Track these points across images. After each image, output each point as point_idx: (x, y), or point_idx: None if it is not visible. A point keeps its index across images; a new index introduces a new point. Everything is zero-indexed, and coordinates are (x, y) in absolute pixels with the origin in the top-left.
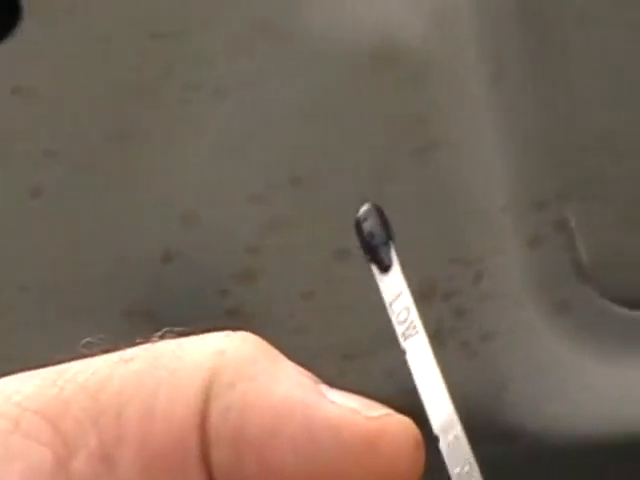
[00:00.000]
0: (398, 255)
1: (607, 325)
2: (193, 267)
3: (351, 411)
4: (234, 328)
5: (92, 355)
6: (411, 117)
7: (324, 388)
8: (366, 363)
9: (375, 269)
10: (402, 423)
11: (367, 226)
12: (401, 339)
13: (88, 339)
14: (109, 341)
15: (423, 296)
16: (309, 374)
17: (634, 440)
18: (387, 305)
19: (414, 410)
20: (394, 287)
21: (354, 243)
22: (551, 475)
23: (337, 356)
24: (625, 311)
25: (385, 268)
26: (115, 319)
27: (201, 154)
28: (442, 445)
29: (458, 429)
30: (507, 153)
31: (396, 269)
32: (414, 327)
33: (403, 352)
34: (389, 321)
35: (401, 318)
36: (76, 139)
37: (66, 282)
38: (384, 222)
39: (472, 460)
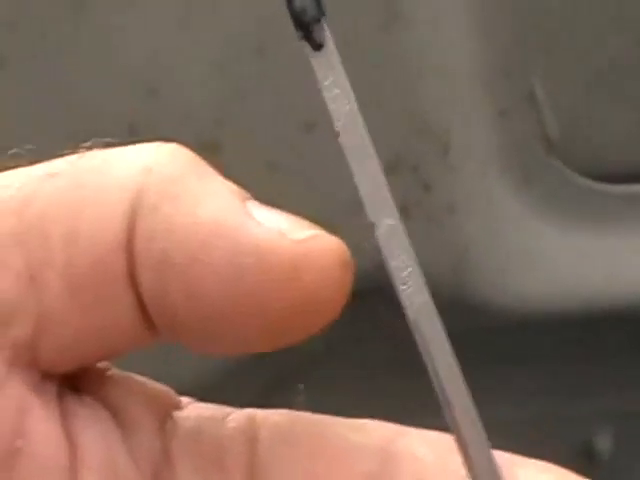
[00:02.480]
0: (369, 128)
1: (572, 197)
2: (158, 139)
3: (277, 234)
4: None
5: (18, 167)
6: None
7: (253, 206)
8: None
9: (308, 48)
10: (329, 244)
11: (298, 2)
12: (336, 124)
13: (15, 150)
14: (36, 151)
15: (389, 168)
16: (239, 191)
17: (595, 312)
18: (321, 86)
19: (382, 286)
20: (327, 66)
21: (321, 115)
22: (513, 347)
23: None
24: (590, 183)
25: (318, 46)
26: None
27: (164, 23)
28: (378, 233)
29: (395, 218)
30: (475, 23)
31: (330, 47)
32: (348, 108)
33: (337, 135)
34: (356, 193)
35: (333, 99)
36: (37, 8)
37: None
38: None
39: (410, 250)
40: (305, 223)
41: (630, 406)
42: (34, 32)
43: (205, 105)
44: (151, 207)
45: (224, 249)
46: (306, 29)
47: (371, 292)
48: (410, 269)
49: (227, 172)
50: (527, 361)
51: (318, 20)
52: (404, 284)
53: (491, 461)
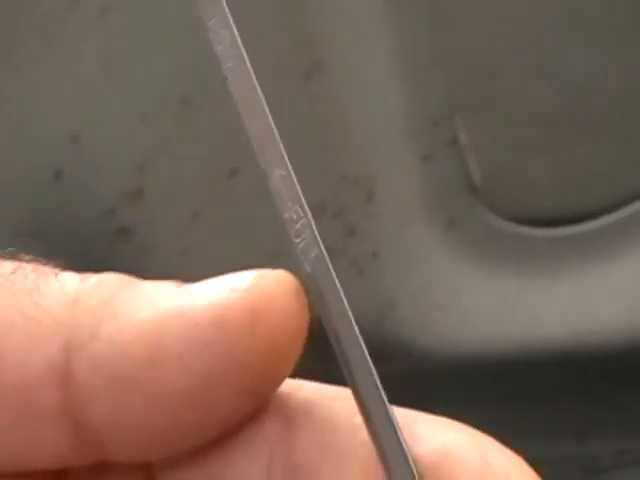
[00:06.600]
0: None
1: (497, 241)
2: (82, 186)
3: (228, 291)
4: (123, 247)
5: None
6: (297, 37)
7: (190, 286)
8: None
9: None
10: (276, 278)
11: None
12: (223, 67)
13: None
14: None
15: (313, 214)
16: (172, 282)
17: (518, 357)
18: (205, 27)
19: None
20: (211, 5)
21: (245, 162)
22: (438, 392)
23: None
24: (515, 227)
25: None
26: (2, 238)
27: (88, 73)
28: (269, 184)
29: (286, 168)
30: (398, 71)
31: None
32: (235, 50)
33: (225, 78)
34: (280, 241)
35: (219, 40)
36: None
37: None
38: None
39: (303, 201)
40: (242, 273)
41: (551, 453)
42: None
43: (128, 152)
44: (89, 336)
45: (184, 332)
46: None
47: None
48: (303, 220)
49: (150, 219)
50: (456, 405)
51: None
52: (298, 237)
53: (390, 417)
